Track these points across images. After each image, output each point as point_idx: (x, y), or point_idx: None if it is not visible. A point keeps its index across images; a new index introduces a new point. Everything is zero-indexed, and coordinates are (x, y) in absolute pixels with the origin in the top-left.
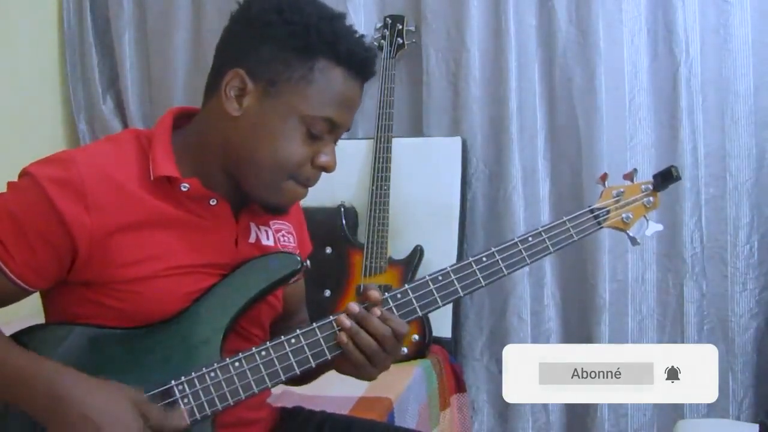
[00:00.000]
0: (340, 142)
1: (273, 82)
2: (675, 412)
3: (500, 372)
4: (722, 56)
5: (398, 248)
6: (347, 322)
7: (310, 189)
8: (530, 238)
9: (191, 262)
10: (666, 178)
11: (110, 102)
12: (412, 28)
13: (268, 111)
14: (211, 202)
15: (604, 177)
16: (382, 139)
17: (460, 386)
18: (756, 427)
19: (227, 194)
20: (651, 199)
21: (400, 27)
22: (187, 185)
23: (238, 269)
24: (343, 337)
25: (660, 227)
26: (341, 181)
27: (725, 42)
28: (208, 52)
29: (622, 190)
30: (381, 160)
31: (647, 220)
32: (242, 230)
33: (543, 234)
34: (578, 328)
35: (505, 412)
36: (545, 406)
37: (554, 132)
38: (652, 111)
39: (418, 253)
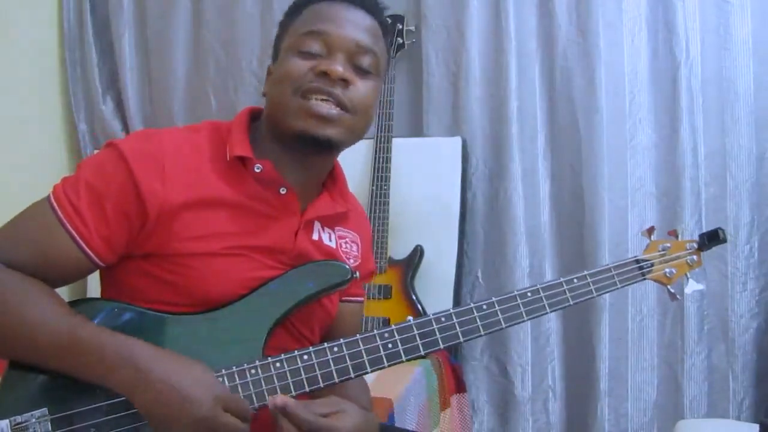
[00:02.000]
0: None
1: (278, 51)
2: (675, 412)
3: (500, 372)
4: (722, 56)
5: (398, 248)
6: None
7: None
8: (575, 281)
9: (248, 243)
10: (712, 239)
11: (110, 102)
12: (412, 28)
13: (276, 67)
14: (281, 191)
15: (651, 230)
16: (382, 139)
17: (460, 386)
18: (756, 427)
19: (296, 186)
20: (694, 257)
21: (400, 27)
22: (260, 166)
23: (291, 271)
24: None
25: (701, 287)
26: None
27: (725, 42)
28: (208, 52)
29: (668, 245)
30: (381, 160)
31: (688, 278)
32: (305, 224)
33: (588, 278)
34: (578, 328)
35: (505, 412)
36: (545, 406)
37: (554, 132)
38: (652, 111)
39: (418, 253)
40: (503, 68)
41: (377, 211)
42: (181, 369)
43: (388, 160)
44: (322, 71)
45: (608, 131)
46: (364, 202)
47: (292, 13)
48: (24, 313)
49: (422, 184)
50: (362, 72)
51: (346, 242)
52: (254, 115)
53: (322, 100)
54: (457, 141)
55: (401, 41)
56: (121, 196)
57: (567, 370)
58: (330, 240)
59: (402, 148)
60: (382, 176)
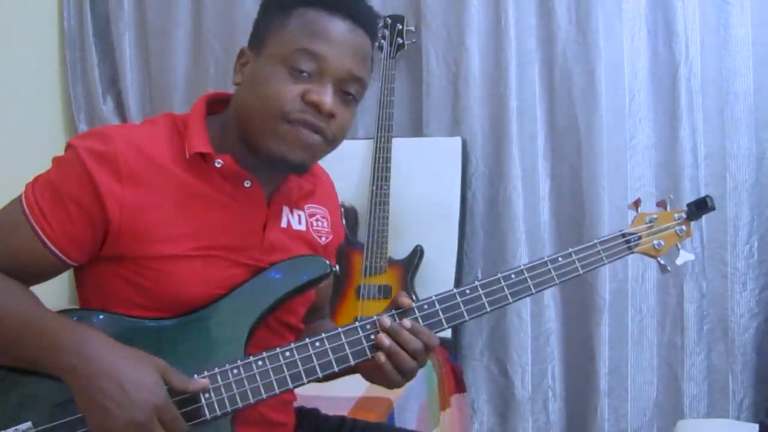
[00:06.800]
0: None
1: (261, 43)
2: (675, 412)
3: (500, 372)
4: (722, 56)
5: (398, 248)
6: (386, 341)
7: None
8: (560, 259)
9: (217, 242)
10: (700, 207)
11: (110, 102)
12: (412, 28)
13: (258, 66)
14: (245, 184)
15: (637, 203)
16: (382, 139)
17: (460, 386)
18: (756, 427)
19: (260, 176)
20: (683, 227)
21: (400, 27)
22: (220, 161)
23: (270, 268)
24: (381, 357)
25: (691, 257)
26: (341, 180)
27: (725, 42)
28: (208, 52)
29: (655, 216)
30: (381, 160)
31: (678, 249)
32: (273, 215)
33: (573, 255)
34: (578, 328)
35: (505, 412)
36: (545, 405)
37: (554, 132)
38: (652, 111)
39: (418, 253)
40: (503, 68)
41: (377, 211)
42: (129, 370)
43: (388, 160)
44: (313, 102)
45: (608, 131)
46: (364, 202)
47: (283, 6)
48: None
49: (422, 184)
50: (347, 99)
51: (316, 219)
52: (212, 102)
53: (307, 130)
54: (457, 141)
55: (401, 41)
56: (81, 197)
57: (567, 370)
58: (300, 223)
59: (402, 148)
60: (382, 176)
